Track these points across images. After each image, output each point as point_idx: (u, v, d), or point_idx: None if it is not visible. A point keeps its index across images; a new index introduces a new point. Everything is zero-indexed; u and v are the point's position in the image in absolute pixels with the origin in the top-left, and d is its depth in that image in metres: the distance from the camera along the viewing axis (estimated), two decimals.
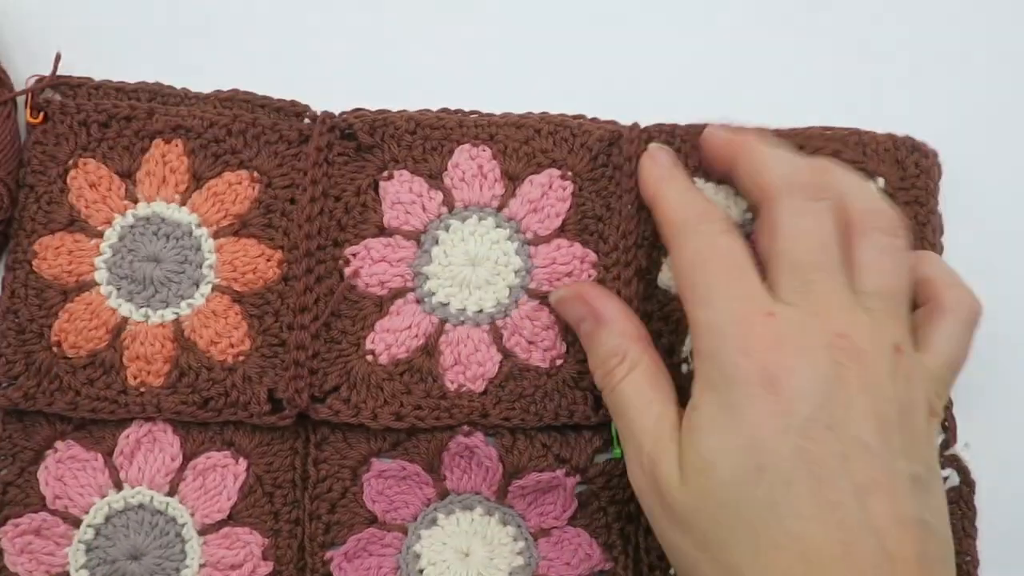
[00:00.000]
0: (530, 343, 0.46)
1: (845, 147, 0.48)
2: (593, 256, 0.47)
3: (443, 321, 0.47)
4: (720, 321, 0.39)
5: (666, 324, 0.47)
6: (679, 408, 0.40)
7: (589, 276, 0.47)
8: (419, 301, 0.47)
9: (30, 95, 0.47)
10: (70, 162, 0.47)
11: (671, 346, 0.47)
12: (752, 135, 0.43)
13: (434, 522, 0.46)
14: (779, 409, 0.36)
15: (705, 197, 0.44)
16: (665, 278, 0.47)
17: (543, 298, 0.47)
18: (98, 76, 0.48)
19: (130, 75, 0.48)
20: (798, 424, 0.36)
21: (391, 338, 0.46)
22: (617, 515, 0.46)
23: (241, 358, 0.46)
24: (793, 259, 0.39)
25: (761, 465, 0.36)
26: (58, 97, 0.48)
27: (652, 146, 0.47)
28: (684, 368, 0.46)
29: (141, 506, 0.46)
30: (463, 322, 0.47)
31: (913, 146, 0.48)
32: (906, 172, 0.48)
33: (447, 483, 0.47)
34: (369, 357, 0.46)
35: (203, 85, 0.49)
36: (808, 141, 0.48)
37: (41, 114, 0.47)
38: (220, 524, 0.46)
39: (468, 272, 0.47)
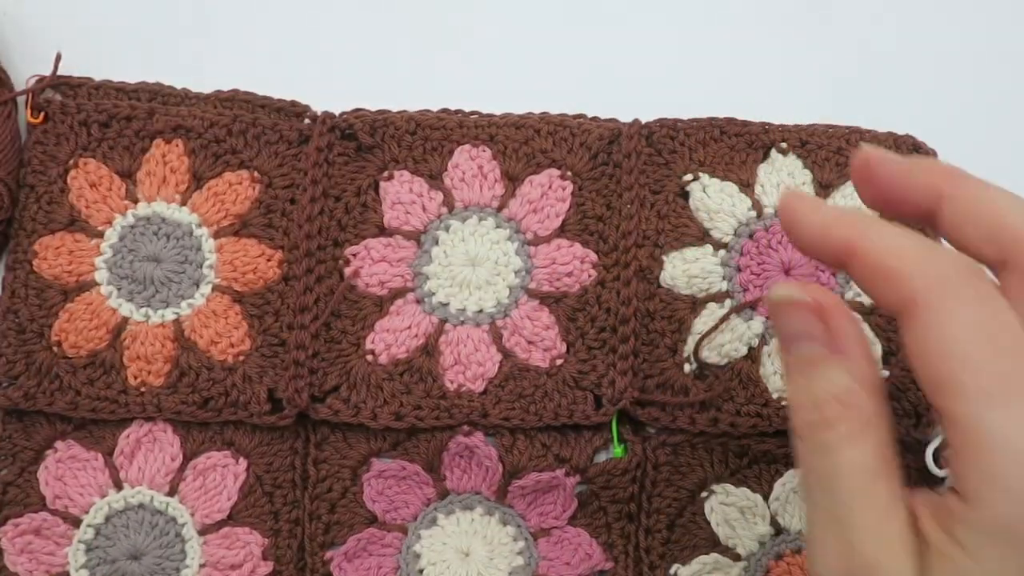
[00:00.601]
0: (530, 343, 0.46)
1: (846, 145, 0.48)
2: (593, 256, 0.47)
3: (443, 321, 0.47)
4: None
5: (668, 323, 0.47)
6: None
7: (589, 276, 0.47)
8: (419, 301, 0.47)
9: (30, 95, 0.47)
10: (70, 162, 0.47)
11: (674, 345, 0.47)
12: (935, 164, 0.34)
13: (434, 522, 0.46)
14: None
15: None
16: (667, 277, 0.47)
17: (543, 298, 0.47)
18: (98, 76, 0.48)
19: (130, 75, 0.49)
20: None
21: (391, 338, 0.46)
22: (617, 515, 0.46)
23: (241, 358, 0.46)
24: None
25: None
26: (58, 97, 0.48)
27: (787, 192, 0.34)
28: (687, 368, 0.46)
29: (141, 506, 0.46)
30: (463, 322, 0.47)
31: (914, 144, 0.48)
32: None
33: (447, 483, 0.47)
34: (369, 357, 0.46)
35: (203, 85, 0.49)
36: (810, 138, 0.48)
37: (41, 114, 0.47)
38: (220, 524, 0.46)
39: (468, 272, 0.47)
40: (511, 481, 0.46)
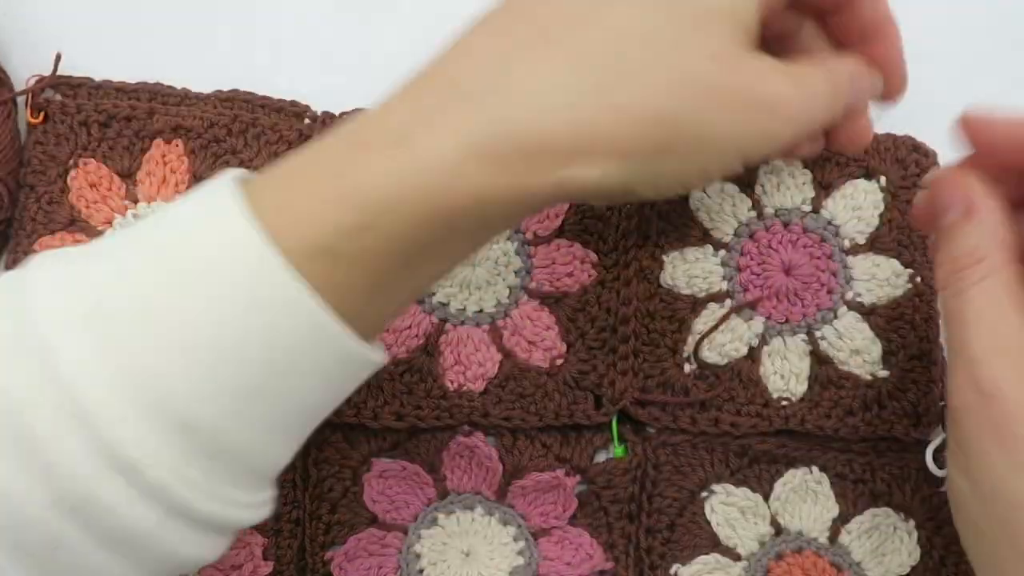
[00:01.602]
0: (530, 343, 0.46)
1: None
2: (594, 256, 0.47)
3: (443, 321, 0.47)
4: None
5: (669, 323, 0.47)
6: None
7: (589, 276, 0.47)
8: (419, 301, 0.47)
9: (30, 95, 0.47)
10: (71, 162, 0.47)
11: (675, 345, 0.47)
12: None
13: (434, 522, 0.46)
14: None
15: None
16: (667, 277, 0.47)
17: (543, 298, 0.47)
18: (98, 76, 0.48)
19: (130, 75, 0.48)
20: None
21: (391, 338, 0.46)
22: (618, 515, 0.46)
23: None
24: None
25: None
26: (58, 97, 0.48)
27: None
28: (687, 368, 0.46)
29: None
30: (463, 322, 0.47)
31: (913, 146, 0.48)
32: (907, 171, 0.48)
33: (447, 483, 0.47)
34: None
35: (203, 85, 0.49)
36: None
37: (41, 114, 0.47)
38: None
39: (468, 272, 0.47)
40: (511, 481, 0.46)
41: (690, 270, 0.47)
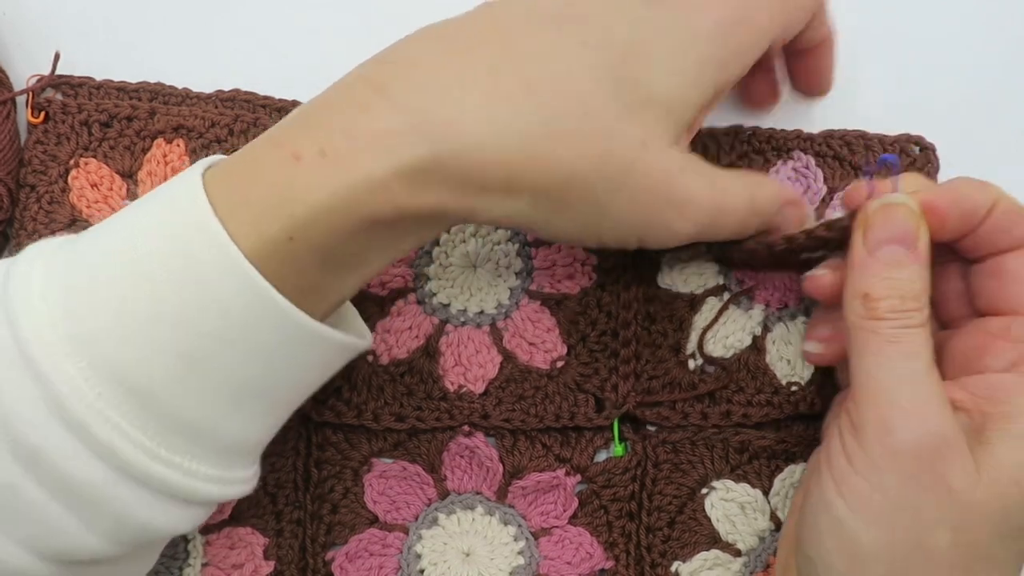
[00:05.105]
0: (531, 345, 0.46)
1: (851, 152, 0.48)
2: (594, 259, 0.47)
3: (444, 322, 0.47)
4: None
5: (670, 323, 0.47)
6: None
7: (590, 279, 0.47)
8: (420, 302, 0.47)
9: (31, 95, 0.47)
10: (71, 162, 0.46)
11: (677, 344, 0.47)
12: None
13: (435, 522, 0.47)
14: None
15: None
16: (664, 277, 0.47)
17: (544, 300, 0.47)
18: (99, 76, 0.48)
19: (131, 75, 0.48)
20: None
21: (392, 339, 0.46)
22: (618, 513, 0.46)
23: None
24: None
25: None
26: (59, 97, 0.48)
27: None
28: (692, 364, 0.46)
29: None
30: (464, 323, 0.47)
31: (913, 140, 0.48)
32: (911, 165, 0.48)
33: (448, 483, 0.47)
34: (370, 358, 0.46)
35: (204, 85, 0.48)
36: (820, 146, 0.48)
37: (42, 114, 0.47)
38: (222, 524, 0.46)
39: (469, 274, 0.47)
40: (511, 481, 0.46)
41: (686, 268, 0.47)
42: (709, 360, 0.46)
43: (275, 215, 0.33)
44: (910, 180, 0.40)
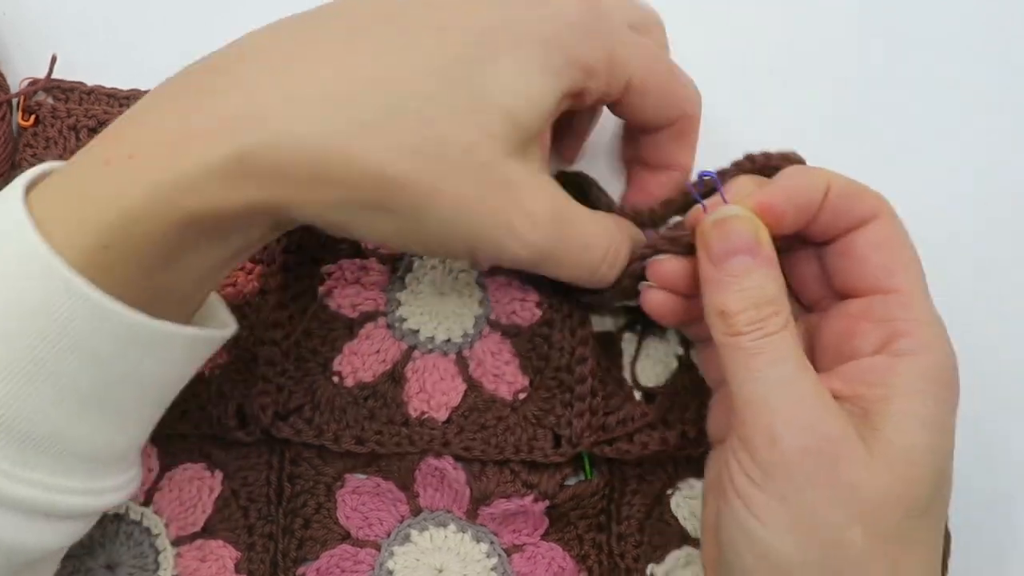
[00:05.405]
0: (495, 376, 0.46)
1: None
2: (535, 295, 0.46)
3: (412, 348, 0.46)
4: None
5: (610, 359, 0.47)
6: None
7: (533, 315, 0.46)
8: (390, 326, 0.47)
9: (22, 98, 0.47)
10: None
11: (620, 379, 0.46)
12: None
13: (407, 538, 0.46)
14: None
15: None
16: (595, 317, 0.46)
17: (504, 330, 0.46)
18: (99, 77, 0.48)
19: (131, 76, 0.48)
20: None
21: (358, 361, 0.46)
22: (587, 527, 0.46)
23: (217, 371, 0.46)
24: None
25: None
26: (50, 101, 0.48)
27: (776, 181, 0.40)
28: (637, 396, 0.46)
29: (117, 516, 0.46)
30: (431, 350, 0.46)
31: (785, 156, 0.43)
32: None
33: (420, 500, 0.46)
34: (335, 379, 0.46)
35: None
36: None
37: (32, 117, 0.47)
38: (194, 536, 0.46)
39: (438, 300, 0.47)
40: (479, 506, 0.46)
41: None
42: (646, 393, 0.46)
43: (89, 224, 0.33)
44: (741, 184, 0.39)
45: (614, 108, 0.42)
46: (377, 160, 0.34)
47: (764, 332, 0.36)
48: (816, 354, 0.40)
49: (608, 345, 0.47)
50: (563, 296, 0.45)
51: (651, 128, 0.43)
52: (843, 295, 0.40)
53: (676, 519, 0.46)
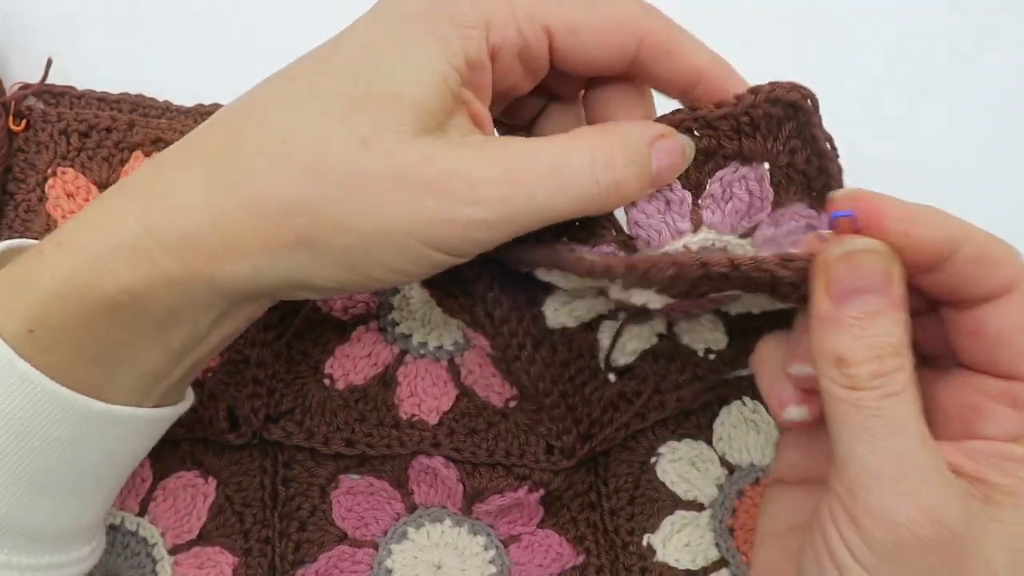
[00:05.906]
0: (486, 384, 0.47)
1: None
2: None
3: (404, 352, 0.47)
4: None
5: (582, 358, 0.46)
6: None
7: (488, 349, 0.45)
8: (382, 330, 0.47)
9: (13, 102, 0.47)
10: (49, 171, 0.47)
11: (596, 370, 0.46)
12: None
13: (404, 536, 0.46)
14: None
15: None
16: (554, 322, 0.44)
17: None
18: (95, 81, 0.48)
19: (127, 80, 0.49)
20: None
21: (349, 364, 0.47)
22: (580, 507, 0.47)
23: (209, 374, 0.45)
24: None
25: None
26: (41, 105, 0.48)
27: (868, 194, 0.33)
28: (612, 378, 0.46)
29: (113, 527, 0.44)
30: (423, 355, 0.47)
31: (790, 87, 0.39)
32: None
33: (415, 497, 0.47)
34: (326, 381, 0.46)
35: (203, 90, 0.49)
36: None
37: (23, 121, 0.47)
38: (191, 544, 0.45)
39: (430, 307, 0.47)
40: (474, 502, 0.46)
41: (571, 303, 0.44)
42: (618, 372, 0.46)
43: (18, 310, 0.33)
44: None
45: (556, 63, 0.38)
46: (271, 197, 0.33)
47: (887, 392, 0.31)
48: (932, 418, 0.33)
49: (585, 338, 0.45)
50: (512, 326, 0.43)
51: (604, 74, 0.39)
52: (967, 366, 0.35)
53: (664, 484, 0.47)
